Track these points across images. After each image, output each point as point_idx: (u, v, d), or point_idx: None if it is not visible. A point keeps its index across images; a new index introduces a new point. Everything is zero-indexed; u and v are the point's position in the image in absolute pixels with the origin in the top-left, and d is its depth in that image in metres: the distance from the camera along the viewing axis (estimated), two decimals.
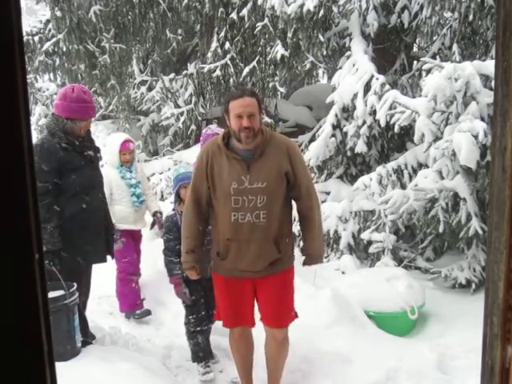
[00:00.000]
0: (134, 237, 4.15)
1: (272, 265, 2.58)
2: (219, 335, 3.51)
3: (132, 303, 4.06)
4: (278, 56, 6.49)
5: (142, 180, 4.26)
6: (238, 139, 2.52)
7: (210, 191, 2.61)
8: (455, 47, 5.88)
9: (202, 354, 3.35)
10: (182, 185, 3.35)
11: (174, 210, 3.46)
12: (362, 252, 5.32)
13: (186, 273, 2.87)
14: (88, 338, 3.13)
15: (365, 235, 5.08)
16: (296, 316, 2.78)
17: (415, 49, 7.89)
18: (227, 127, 2.59)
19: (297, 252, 2.87)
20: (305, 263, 2.76)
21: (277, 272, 2.61)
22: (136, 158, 4.34)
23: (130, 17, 8.02)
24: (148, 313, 4.04)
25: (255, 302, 2.76)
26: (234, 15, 7.17)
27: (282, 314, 2.70)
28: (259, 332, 2.82)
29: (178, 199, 3.40)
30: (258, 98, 2.59)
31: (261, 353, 2.88)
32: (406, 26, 6.45)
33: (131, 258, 4.07)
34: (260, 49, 7.05)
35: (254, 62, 7.01)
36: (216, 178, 2.56)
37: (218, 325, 3.01)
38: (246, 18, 7.01)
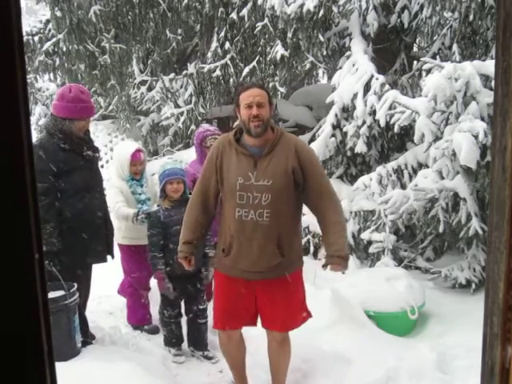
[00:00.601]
0: (142, 251, 4.02)
1: (273, 268, 2.54)
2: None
3: (141, 318, 3.96)
4: (278, 56, 6.49)
5: (151, 192, 4.04)
6: (247, 131, 2.51)
7: (219, 186, 2.62)
8: (455, 47, 5.88)
9: (175, 340, 3.54)
10: (168, 180, 3.39)
11: (158, 205, 3.50)
12: (362, 252, 5.31)
13: (178, 261, 2.81)
14: (88, 338, 3.13)
15: (365, 235, 5.07)
16: (309, 316, 2.74)
17: (415, 49, 7.89)
18: (238, 122, 2.61)
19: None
20: (324, 265, 2.62)
21: (277, 277, 2.56)
22: (146, 169, 4.13)
23: (129, 17, 8.01)
24: (156, 330, 3.88)
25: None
26: (234, 15, 7.16)
27: (281, 319, 2.65)
28: (260, 333, 2.81)
29: (164, 195, 3.44)
30: (267, 91, 2.62)
31: (262, 353, 2.87)
32: (406, 26, 6.45)
33: (140, 274, 3.89)
34: (260, 49, 7.05)
35: (254, 62, 7.00)
36: (224, 172, 2.57)
37: None
38: (245, 18, 7.00)
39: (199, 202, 2.69)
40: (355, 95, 5.56)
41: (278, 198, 2.48)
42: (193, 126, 7.86)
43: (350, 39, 6.23)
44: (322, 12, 6.01)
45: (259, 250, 2.51)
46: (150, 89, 8.14)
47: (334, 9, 6.16)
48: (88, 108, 3.09)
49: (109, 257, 3.31)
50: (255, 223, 2.49)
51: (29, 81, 8.87)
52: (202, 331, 3.52)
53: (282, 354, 2.79)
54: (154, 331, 3.88)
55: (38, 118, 9.28)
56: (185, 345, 3.60)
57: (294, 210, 2.60)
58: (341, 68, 5.97)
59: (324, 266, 2.62)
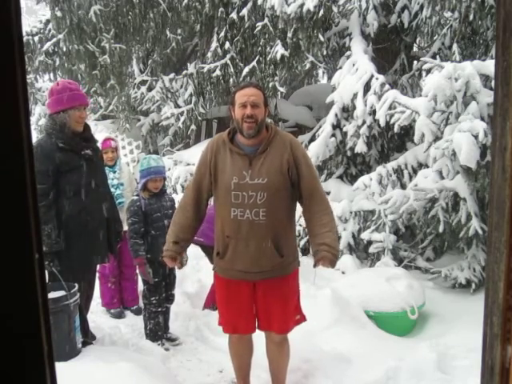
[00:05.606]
0: None
1: (272, 268, 2.51)
2: (220, 335, 3.51)
3: (108, 302, 4.24)
4: (278, 56, 6.50)
5: (128, 182, 4.26)
6: (240, 130, 2.48)
7: (212, 187, 2.59)
8: (455, 47, 5.88)
9: (161, 332, 3.63)
10: (153, 178, 3.53)
11: (137, 195, 3.62)
12: (362, 252, 5.32)
13: (163, 259, 2.75)
14: (88, 339, 3.13)
15: (365, 235, 5.08)
16: (303, 319, 2.73)
17: (415, 49, 7.90)
18: (232, 122, 2.59)
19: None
20: (315, 264, 2.55)
21: (276, 276, 2.54)
22: (121, 158, 4.33)
23: (130, 17, 8.02)
24: (121, 314, 4.19)
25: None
26: (233, 15, 7.17)
27: (279, 320, 2.63)
28: (260, 333, 2.81)
29: (143, 187, 3.58)
30: (263, 91, 2.58)
31: (262, 354, 2.87)
32: (406, 25, 6.46)
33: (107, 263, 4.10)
34: (260, 49, 7.05)
35: (254, 62, 7.01)
36: (219, 172, 2.54)
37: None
38: (245, 18, 7.01)
39: (193, 203, 2.65)
40: (355, 95, 5.56)
41: (274, 196, 2.45)
42: (193, 126, 7.87)
43: (350, 39, 6.24)
44: (321, 12, 6.01)
45: (257, 250, 2.48)
46: (150, 89, 8.14)
47: (334, 9, 6.16)
48: (78, 95, 3.09)
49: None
50: (251, 222, 2.45)
51: (29, 81, 8.87)
52: (168, 313, 3.72)
53: (281, 355, 2.78)
54: (118, 314, 4.16)
55: (38, 118, 9.29)
56: None
57: (289, 209, 2.57)
58: (341, 68, 5.97)
59: (315, 265, 2.53)
